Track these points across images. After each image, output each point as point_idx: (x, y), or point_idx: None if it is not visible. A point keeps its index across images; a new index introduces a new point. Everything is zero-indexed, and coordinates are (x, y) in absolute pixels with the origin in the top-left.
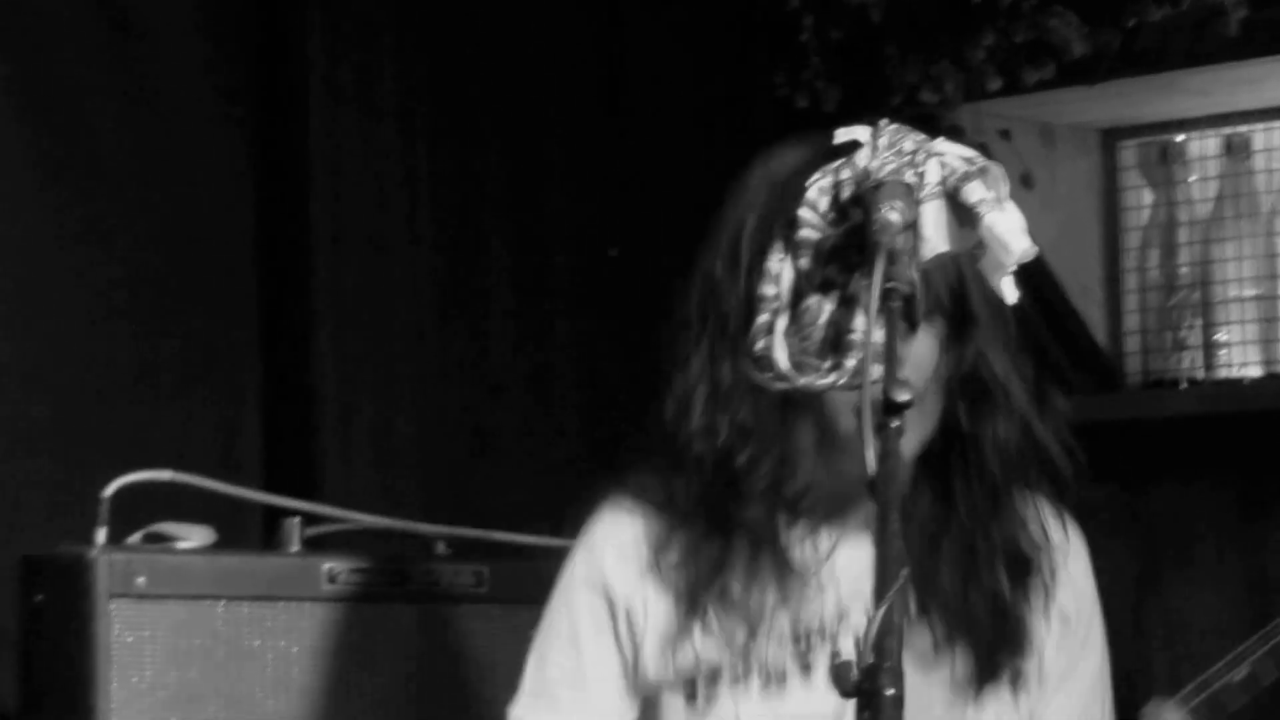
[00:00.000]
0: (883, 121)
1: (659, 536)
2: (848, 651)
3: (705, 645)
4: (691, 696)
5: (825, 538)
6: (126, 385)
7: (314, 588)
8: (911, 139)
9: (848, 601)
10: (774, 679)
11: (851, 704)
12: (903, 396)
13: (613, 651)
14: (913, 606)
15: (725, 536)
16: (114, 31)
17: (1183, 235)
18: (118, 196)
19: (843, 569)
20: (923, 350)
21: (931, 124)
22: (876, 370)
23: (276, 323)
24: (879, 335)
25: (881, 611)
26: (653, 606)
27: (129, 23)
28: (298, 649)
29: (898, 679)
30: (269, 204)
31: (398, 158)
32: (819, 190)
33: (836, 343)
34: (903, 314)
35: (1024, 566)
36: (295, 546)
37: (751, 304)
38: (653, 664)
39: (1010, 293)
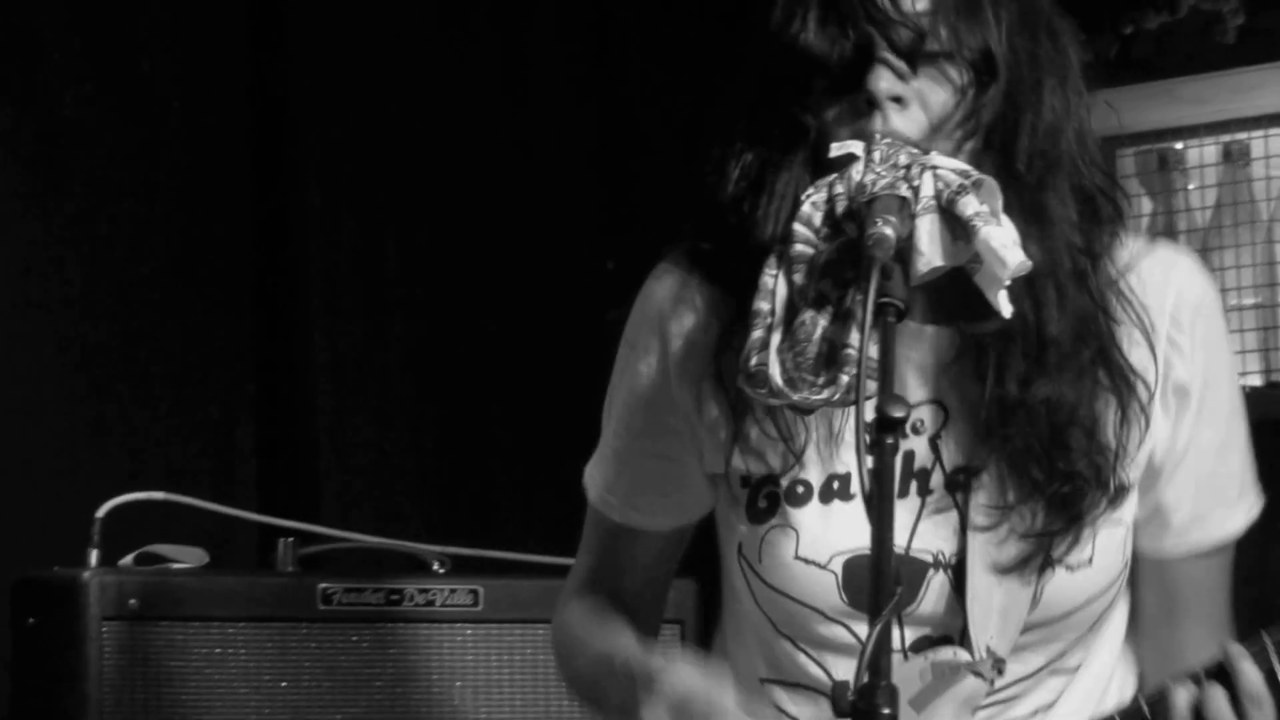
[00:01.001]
0: (877, 135)
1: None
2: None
3: (761, 446)
4: (752, 507)
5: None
6: (120, 406)
7: (309, 608)
8: (906, 153)
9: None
10: (837, 492)
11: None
12: (897, 413)
13: (675, 436)
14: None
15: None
16: None
17: (1181, 243)
18: (110, 215)
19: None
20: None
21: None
22: (871, 386)
23: (271, 344)
24: (873, 351)
25: (876, 631)
26: (714, 393)
27: None
28: (293, 669)
29: (893, 699)
30: (263, 219)
31: (390, 172)
32: (813, 205)
33: (831, 358)
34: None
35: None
36: (290, 567)
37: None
38: (712, 458)
39: (1005, 307)
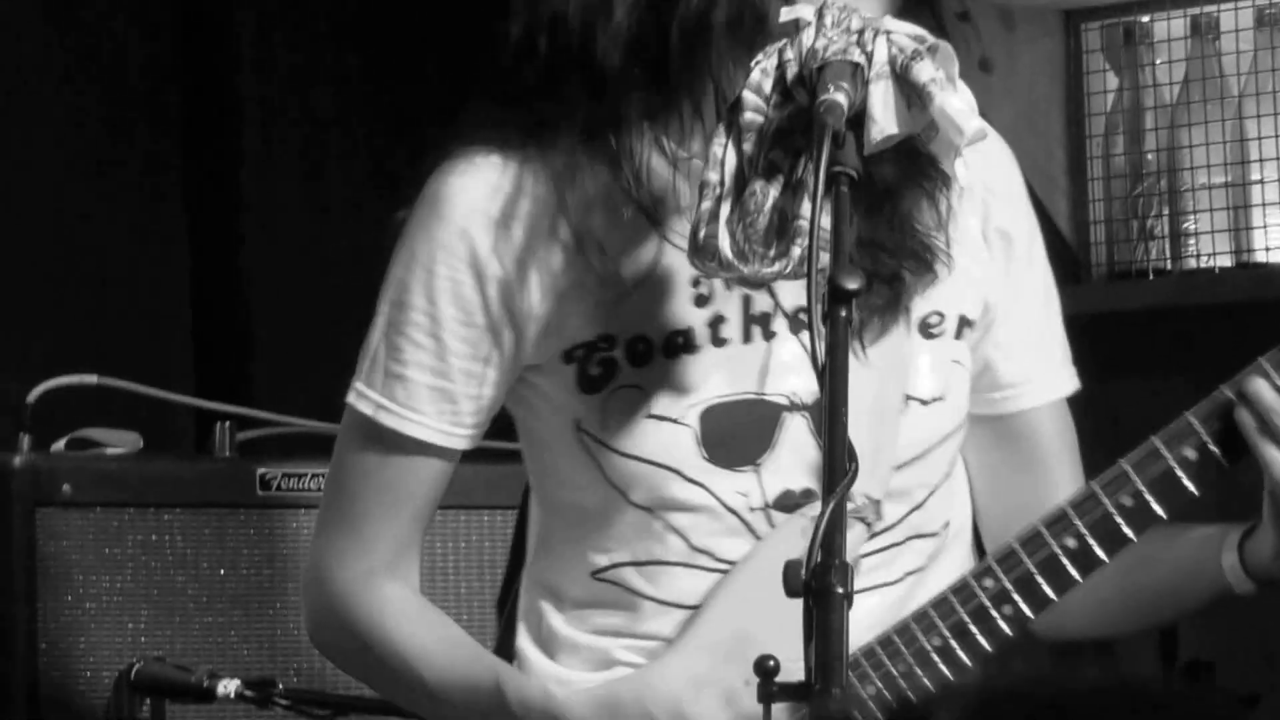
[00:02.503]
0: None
1: (536, 184)
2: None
3: (586, 314)
4: (585, 379)
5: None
6: (50, 287)
7: (247, 493)
8: (858, 17)
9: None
10: (681, 345)
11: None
12: (852, 284)
13: (481, 334)
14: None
15: (614, 164)
16: None
17: (1149, 121)
18: (38, 86)
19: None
20: None
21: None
22: (823, 257)
23: (204, 223)
24: (825, 220)
25: (830, 507)
26: (529, 276)
27: None
28: (230, 557)
29: (846, 576)
30: (195, 83)
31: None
32: (762, 71)
33: (782, 229)
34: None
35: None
36: (227, 452)
37: None
38: (533, 345)
39: (961, 175)
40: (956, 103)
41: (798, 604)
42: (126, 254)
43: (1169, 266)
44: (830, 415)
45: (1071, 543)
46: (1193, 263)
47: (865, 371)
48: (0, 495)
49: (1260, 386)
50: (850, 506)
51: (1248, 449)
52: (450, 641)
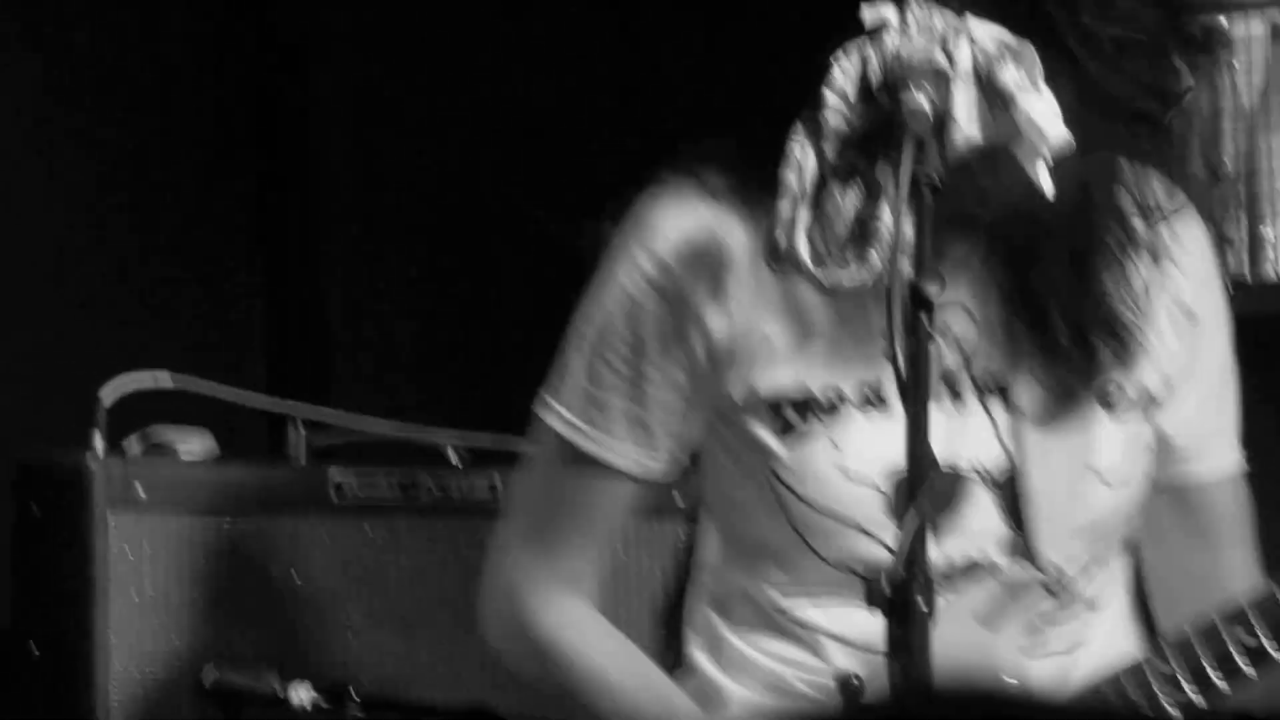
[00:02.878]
0: (911, 1)
1: (742, 229)
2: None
3: (798, 363)
4: (780, 424)
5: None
6: (125, 284)
7: (322, 501)
8: (942, 18)
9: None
10: (876, 402)
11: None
12: (934, 292)
13: (680, 369)
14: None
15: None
16: None
17: (1227, 124)
18: (118, 94)
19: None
20: None
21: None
22: (906, 265)
23: (281, 225)
24: (907, 227)
25: (913, 522)
26: (732, 316)
27: None
28: (304, 564)
29: (929, 591)
30: (271, 100)
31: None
32: (843, 73)
33: (862, 235)
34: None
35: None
36: (302, 457)
37: None
38: (734, 385)
39: (1046, 184)
40: (1041, 107)
41: (958, 648)
42: (201, 252)
43: (1247, 275)
44: (912, 425)
45: (1250, 641)
46: (1271, 271)
47: (1052, 441)
48: (75, 497)
49: None
50: (1036, 575)
51: None
52: (631, 670)
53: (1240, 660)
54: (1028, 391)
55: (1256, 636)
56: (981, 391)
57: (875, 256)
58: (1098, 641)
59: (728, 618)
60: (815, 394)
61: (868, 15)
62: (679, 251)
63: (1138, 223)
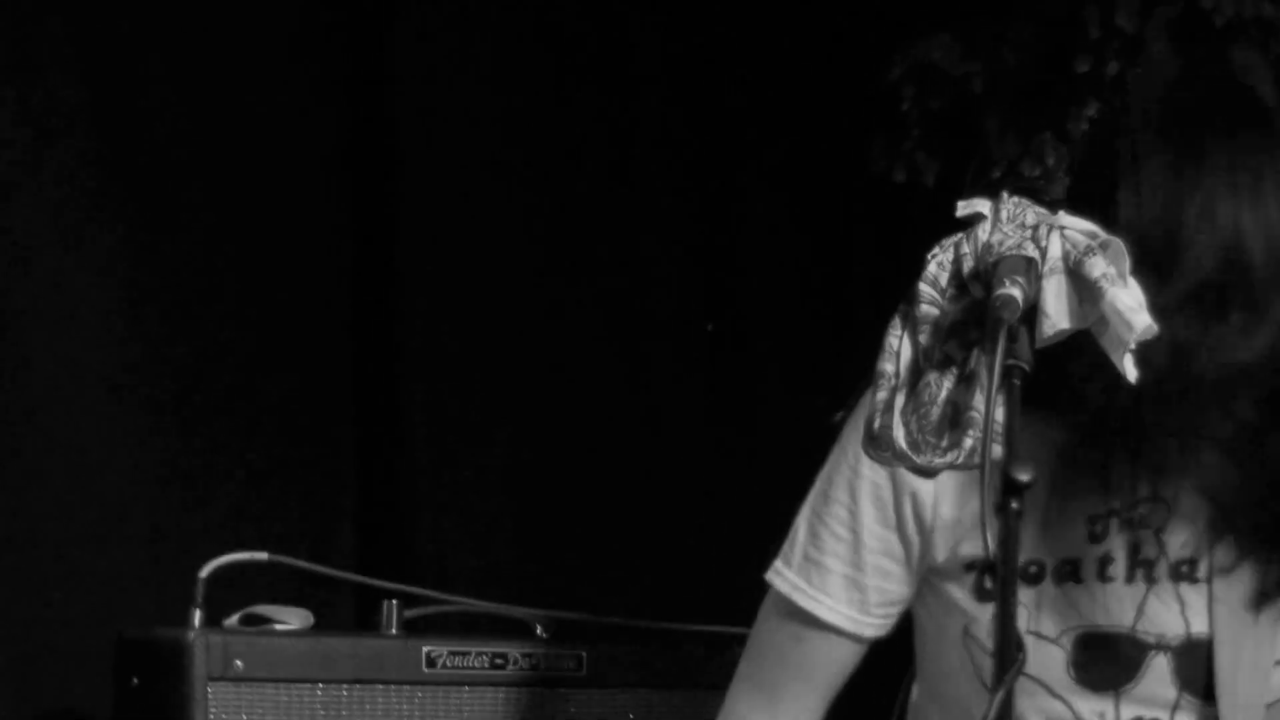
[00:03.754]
0: (1004, 194)
1: None
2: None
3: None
4: (979, 587)
5: None
6: (221, 465)
7: (414, 670)
8: (1033, 212)
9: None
10: (1070, 574)
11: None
12: (1024, 477)
13: (893, 534)
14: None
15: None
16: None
17: None
18: (206, 269)
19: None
20: None
21: (1033, 197)
22: (996, 450)
23: (370, 403)
24: (999, 414)
25: (1000, 695)
26: (942, 489)
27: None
28: None
29: None
30: (362, 278)
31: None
32: (938, 265)
33: (955, 420)
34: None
35: None
36: (394, 629)
37: None
38: (940, 551)
39: (1131, 371)
40: (1127, 299)
41: None
42: (295, 435)
43: None
44: (1001, 604)
45: None
46: None
47: (1245, 624)
48: (175, 669)
49: None
50: None
51: None
52: None
53: None
54: (1230, 580)
55: None
56: (1174, 572)
57: (968, 442)
58: None
59: None
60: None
61: (961, 206)
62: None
63: None
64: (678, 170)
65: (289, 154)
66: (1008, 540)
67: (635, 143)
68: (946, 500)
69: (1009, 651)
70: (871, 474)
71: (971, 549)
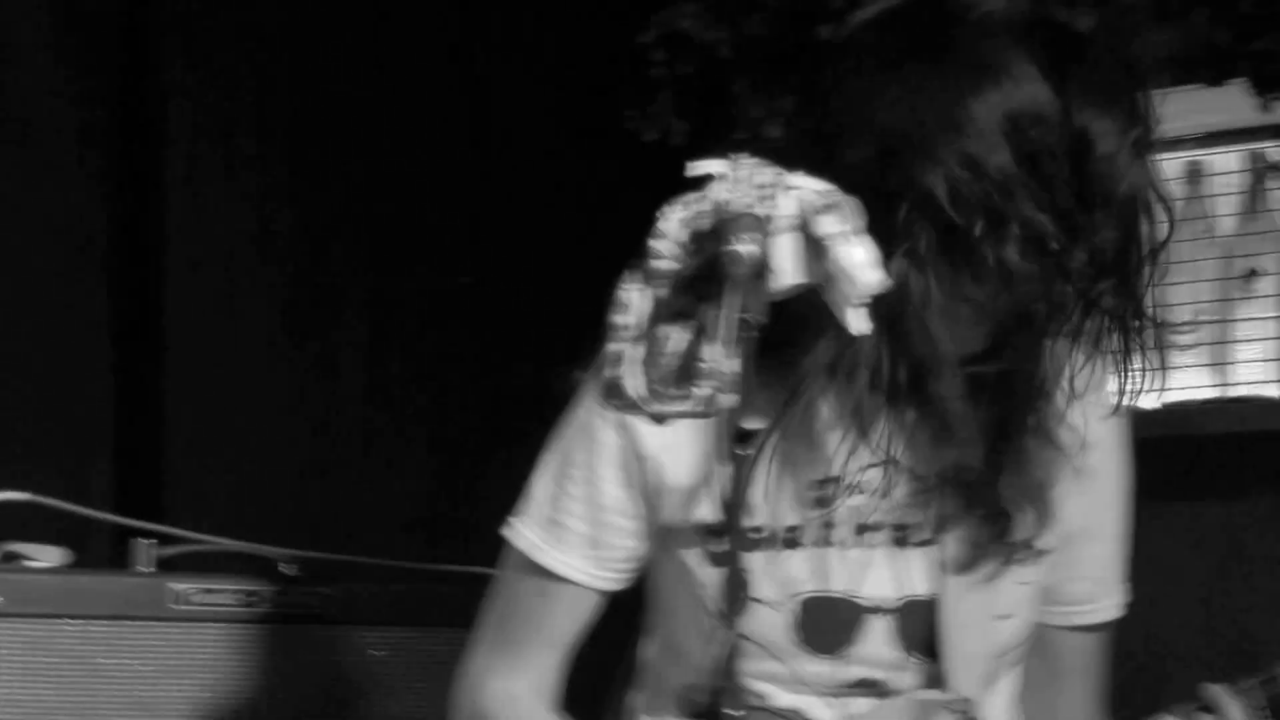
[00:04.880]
0: (738, 154)
1: None
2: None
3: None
4: (708, 551)
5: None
6: None
7: (164, 608)
8: (767, 172)
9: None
10: (792, 541)
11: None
12: (754, 425)
13: (630, 494)
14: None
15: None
16: None
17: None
18: None
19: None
20: None
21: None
22: (729, 400)
23: (128, 347)
24: (732, 365)
25: (727, 637)
26: (681, 454)
27: None
28: (148, 668)
29: (737, 700)
30: (123, 224)
31: (255, 180)
32: (674, 222)
33: (688, 371)
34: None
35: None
36: (147, 567)
37: None
38: (671, 513)
39: (859, 324)
40: (857, 256)
41: None
42: (52, 380)
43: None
44: (732, 551)
45: None
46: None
47: (964, 585)
48: None
49: None
50: (944, 697)
51: None
52: None
53: None
54: (945, 542)
55: None
56: (895, 539)
57: (700, 391)
58: None
59: (656, 714)
60: (742, 533)
61: (696, 167)
62: None
63: (1059, 400)
64: (437, 121)
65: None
66: (738, 485)
67: (395, 89)
68: (679, 464)
69: (738, 595)
70: (607, 435)
71: (701, 513)
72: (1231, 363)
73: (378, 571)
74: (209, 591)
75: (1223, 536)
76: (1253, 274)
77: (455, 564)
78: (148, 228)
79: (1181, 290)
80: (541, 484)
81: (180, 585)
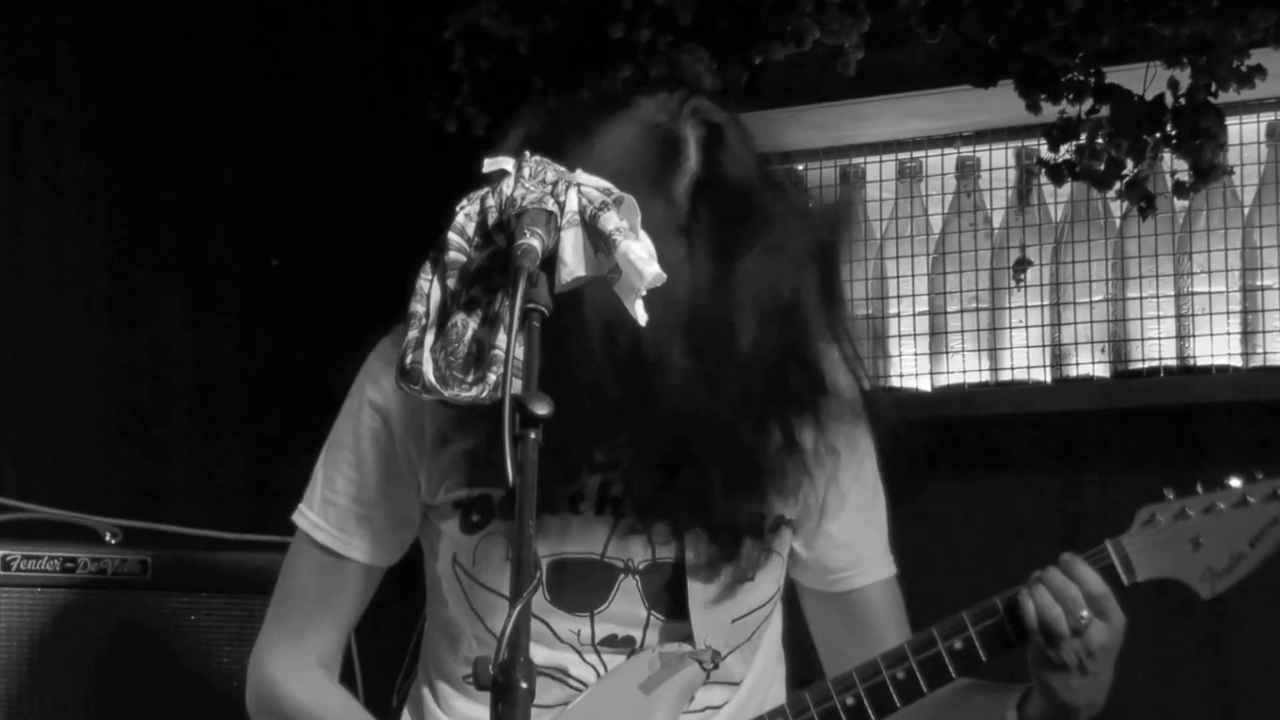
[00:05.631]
0: (526, 153)
1: None
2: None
3: (473, 472)
4: (465, 521)
5: None
6: None
7: None
8: (553, 170)
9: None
10: (543, 507)
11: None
12: (541, 410)
13: (393, 474)
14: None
15: None
16: None
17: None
18: None
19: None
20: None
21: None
22: (516, 384)
23: None
24: (519, 351)
25: (517, 611)
26: (429, 434)
27: None
28: None
29: (530, 673)
30: None
31: (72, 168)
32: (466, 216)
33: (480, 358)
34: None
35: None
36: None
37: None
38: (430, 491)
39: (640, 315)
40: (638, 250)
41: (620, 707)
42: None
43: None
44: (519, 526)
45: (901, 675)
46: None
47: (710, 553)
48: None
49: (1037, 590)
50: (690, 650)
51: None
52: (347, 710)
53: (892, 690)
54: (689, 516)
55: (910, 670)
56: (639, 505)
57: (491, 377)
58: (734, 705)
59: (432, 691)
60: (494, 499)
61: (487, 163)
62: (384, 380)
63: (797, 379)
64: (242, 111)
65: None
66: (525, 467)
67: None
68: (433, 445)
69: (527, 570)
70: (371, 421)
71: (456, 490)
72: (1003, 348)
73: (192, 540)
74: (33, 558)
75: (995, 509)
76: (1022, 263)
77: (268, 535)
78: None
79: (955, 279)
80: (320, 468)
81: (5, 551)
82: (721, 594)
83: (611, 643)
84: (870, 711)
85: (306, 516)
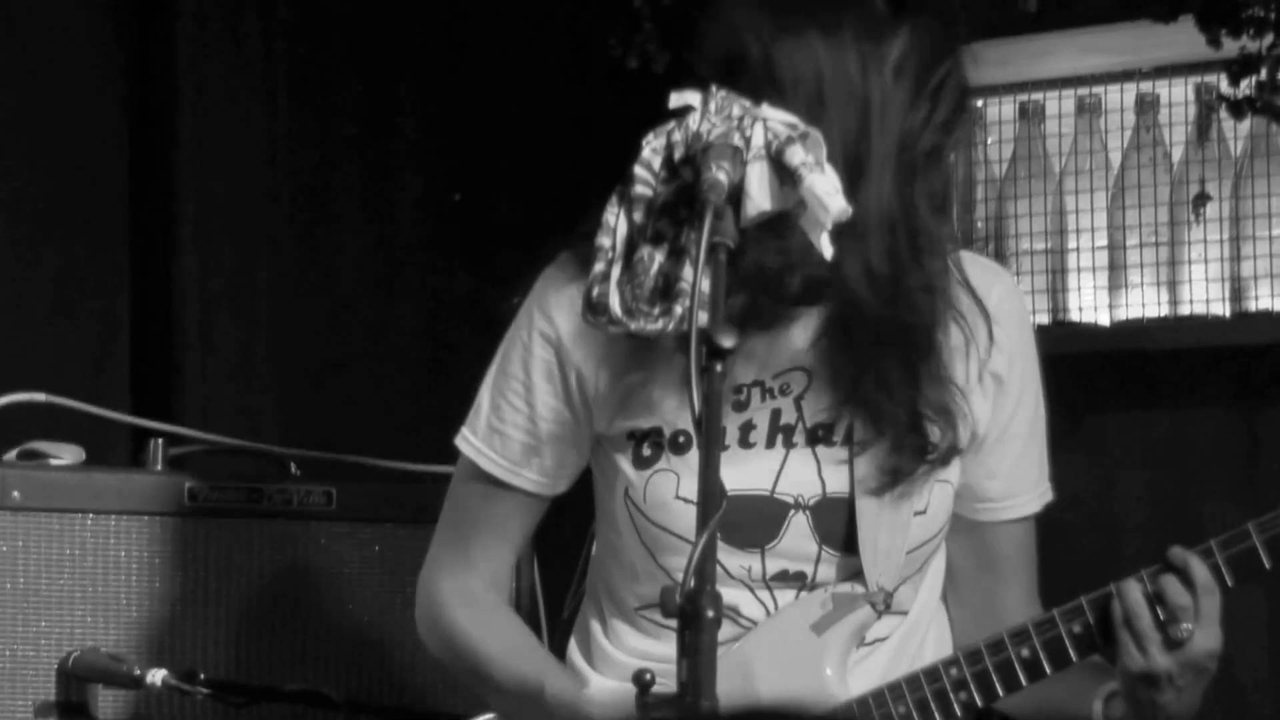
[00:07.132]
0: (713, 87)
1: None
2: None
3: (645, 405)
4: (637, 455)
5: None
6: (3, 311)
7: (176, 504)
8: (739, 104)
9: (782, 368)
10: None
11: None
12: (726, 343)
13: (563, 405)
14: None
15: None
16: None
17: (979, 192)
18: None
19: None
20: None
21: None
22: (703, 317)
23: (144, 252)
24: (706, 285)
25: (704, 540)
26: (602, 365)
27: None
28: (160, 560)
29: (716, 602)
30: (139, 136)
31: (261, 92)
32: (652, 150)
33: (666, 291)
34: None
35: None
36: (159, 465)
37: None
38: (602, 422)
39: (828, 249)
40: (824, 184)
41: (791, 647)
42: (72, 283)
43: None
44: (705, 455)
45: (1026, 653)
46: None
47: (881, 484)
48: None
49: (1131, 588)
50: (862, 592)
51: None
52: (514, 644)
53: (1018, 667)
54: (861, 444)
55: (1034, 649)
56: (810, 436)
57: (677, 310)
58: (909, 642)
59: (600, 620)
60: (665, 434)
61: (674, 99)
62: (563, 312)
63: (963, 304)
64: (424, 48)
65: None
66: (712, 399)
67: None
68: (606, 376)
69: (713, 498)
70: (542, 351)
71: (629, 421)
72: (1182, 282)
73: (376, 471)
74: (219, 489)
75: (1173, 443)
76: (1202, 198)
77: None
78: (161, 140)
79: (1135, 214)
80: (486, 395)
81: (192, 482)
82: (894, 527)
83: (783, 578)
84: (1045, 662)
85: (471, 443)
